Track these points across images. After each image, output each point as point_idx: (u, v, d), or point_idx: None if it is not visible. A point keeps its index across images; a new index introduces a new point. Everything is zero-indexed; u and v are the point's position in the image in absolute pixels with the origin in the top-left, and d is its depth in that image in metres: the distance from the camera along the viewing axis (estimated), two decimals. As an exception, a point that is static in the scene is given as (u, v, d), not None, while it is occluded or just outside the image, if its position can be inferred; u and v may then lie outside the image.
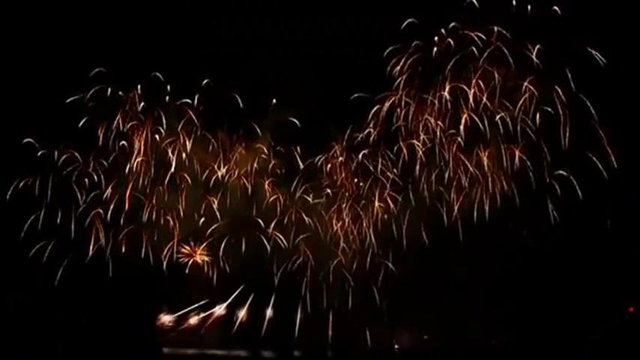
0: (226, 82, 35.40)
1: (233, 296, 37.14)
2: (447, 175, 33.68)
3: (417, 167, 34.09)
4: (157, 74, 34.89)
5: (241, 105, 35.48)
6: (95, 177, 34.56)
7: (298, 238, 35.96)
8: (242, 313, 37.18)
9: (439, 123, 33.79)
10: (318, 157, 36.26)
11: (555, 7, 30.98)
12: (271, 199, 36.19)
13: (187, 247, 36.39)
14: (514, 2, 31.42)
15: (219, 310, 37.34)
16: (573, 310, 33.03)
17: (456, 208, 33.59)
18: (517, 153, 32.62)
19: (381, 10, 34.79)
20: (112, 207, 34.52)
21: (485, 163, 33.21)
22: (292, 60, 36.01)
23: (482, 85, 32.90)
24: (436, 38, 33.38)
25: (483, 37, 32.46)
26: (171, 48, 35.44)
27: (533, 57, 31.41)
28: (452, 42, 32.94)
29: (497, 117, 32.71)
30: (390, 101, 34.48)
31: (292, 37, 36.08)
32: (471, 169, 33.46)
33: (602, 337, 32.35)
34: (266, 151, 36.37)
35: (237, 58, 35.89)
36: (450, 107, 33.28)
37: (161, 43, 35.35)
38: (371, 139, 35.07)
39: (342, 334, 35.77)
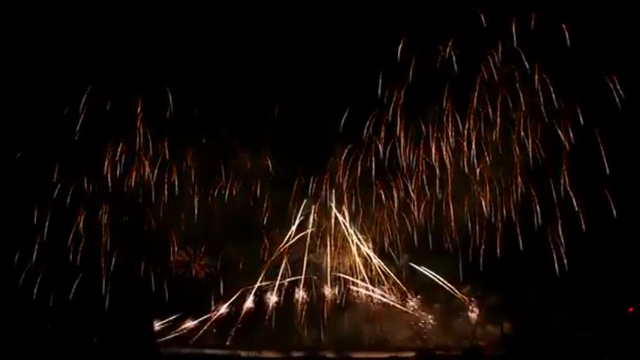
0: (227, 86, 34.94)
1: (232, 299, 37.51)
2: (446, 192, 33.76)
3: (415, 188, 34.26)
4: (157, 81, 34.33)
5: (242, 112, 35.27)
6: (95, 188, 34.49)
7: (297, 246, 36.40)
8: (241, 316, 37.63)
9: (442, 137, 33.68)
10: (318, 169, 36.11)
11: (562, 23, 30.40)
12: (271, 209, 36.40)
13: (184, 253, 37.02)
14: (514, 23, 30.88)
15: (219, 312, 37.74)
16: (573, 310, 33.55)
17: (452, 223, 33.80)
18: (519, 178, 32.61)
19: (382, 16, 34.00)
20: (111, 217, 34.71)
21: (486, 181, 33.22)
22: (293, 63, 35.38)
23: (486, 101, 32.74)
24: (440, 47, 32.72)
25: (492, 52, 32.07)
26: (171, 50, 34.75)
27: (536, 76, 31.01)
28: (454, 55, 32.43)
29: (497, 131, 32.70)
30: (390, 114, 34.03)
31: (292, 39, 35.29)
32: (474, 183, 33.48)
33: (602, 337, 32.56)
34: (268, 159, 36.42)
35: (237, 59, 35.29)
36: (452, 126, 33.07)
37: (160, 45, 34.65)
38: (371, 153, 34.82)
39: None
